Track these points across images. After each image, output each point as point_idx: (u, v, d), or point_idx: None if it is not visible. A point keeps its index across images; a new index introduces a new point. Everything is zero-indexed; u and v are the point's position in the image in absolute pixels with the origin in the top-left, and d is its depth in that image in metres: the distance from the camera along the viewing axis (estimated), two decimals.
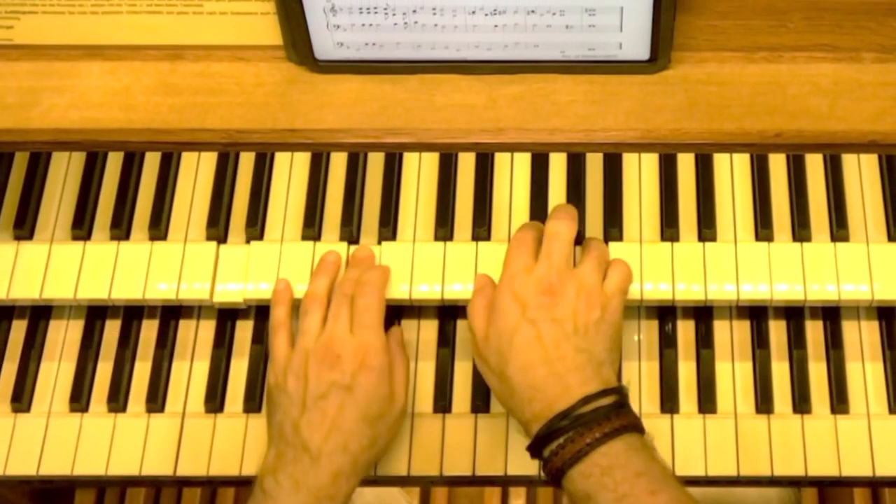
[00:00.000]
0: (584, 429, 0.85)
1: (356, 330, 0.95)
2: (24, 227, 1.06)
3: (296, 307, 1.01)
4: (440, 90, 0.96)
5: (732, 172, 1.07)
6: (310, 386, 0.93)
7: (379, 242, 1.04)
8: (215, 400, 1.03)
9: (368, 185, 1.08)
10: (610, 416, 0.86)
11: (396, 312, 1.05)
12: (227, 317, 1.06)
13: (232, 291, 1.01)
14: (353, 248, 1.04)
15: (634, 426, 0.87)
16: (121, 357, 1.05)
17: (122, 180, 1.09)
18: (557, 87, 0.96)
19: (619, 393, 0.88)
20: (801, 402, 1.01)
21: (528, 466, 0.97)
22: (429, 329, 1.05)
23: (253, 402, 1.02)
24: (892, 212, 1.04)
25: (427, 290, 1.01)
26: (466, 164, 1.08)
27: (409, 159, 1.09)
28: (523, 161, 1.08)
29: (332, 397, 0.92)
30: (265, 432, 0.99)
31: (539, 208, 1.06)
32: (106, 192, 1.09)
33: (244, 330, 1.06)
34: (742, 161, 1.08)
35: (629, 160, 1.08)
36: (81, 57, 0.98)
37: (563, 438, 0.85)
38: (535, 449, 0.88)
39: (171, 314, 1.07)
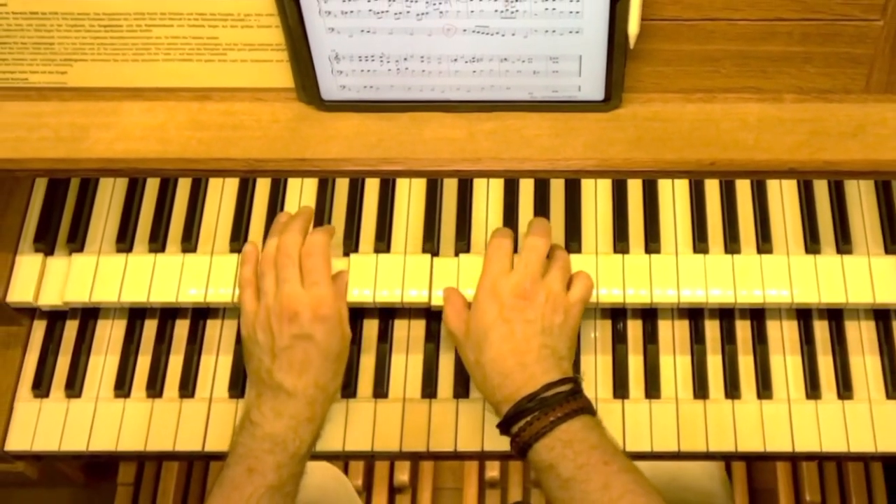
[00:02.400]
0: (548, 409, 0.90)
1: (308, 287, 0.98)
2: (77, 241, 1.12)
3: None
4: (427, 126, 0.98)
5: (674, 195, 1.13)
6: (275, 339, 0.96)
7: (375, 253, 1.08)
8: (238, 387, 1.08)
9: (366, 206, 1.13)
10: (569, 399, 0.91)
11: (390, 313, 1.10)
12: None
13: None
14: (352, 255, 1.08)
15: (588, 409, 0.93)
16: (158, 351, 1.10)
17: (158, 202, 1.14)
18: (526, 123, 0.97)
19: (575, 382, 0.94)
20: (732, 389, 1.06)
21: (501, 443, 0.99)
22: (417, 327, 1.10)
23: None
24: (808, 228, 1.10)
25: (416, 295, 1.06)
26: (450, 188, 1.13)
27: (401, 184, 1.14)
28: (497, 186, 1.13)
29: (297, 347, 0.96)
30: None
31: (511, 225, 1.10)
32: (145, 211, 1.14)
33: None
34: (682, 186, 1.13)
35: (587, 185, 1.13)
36: (124, 97, 0.99)
37: (531, 417, 0.90)
38: (504, 427, 0.94)
39: (201, 315, 1.11)
